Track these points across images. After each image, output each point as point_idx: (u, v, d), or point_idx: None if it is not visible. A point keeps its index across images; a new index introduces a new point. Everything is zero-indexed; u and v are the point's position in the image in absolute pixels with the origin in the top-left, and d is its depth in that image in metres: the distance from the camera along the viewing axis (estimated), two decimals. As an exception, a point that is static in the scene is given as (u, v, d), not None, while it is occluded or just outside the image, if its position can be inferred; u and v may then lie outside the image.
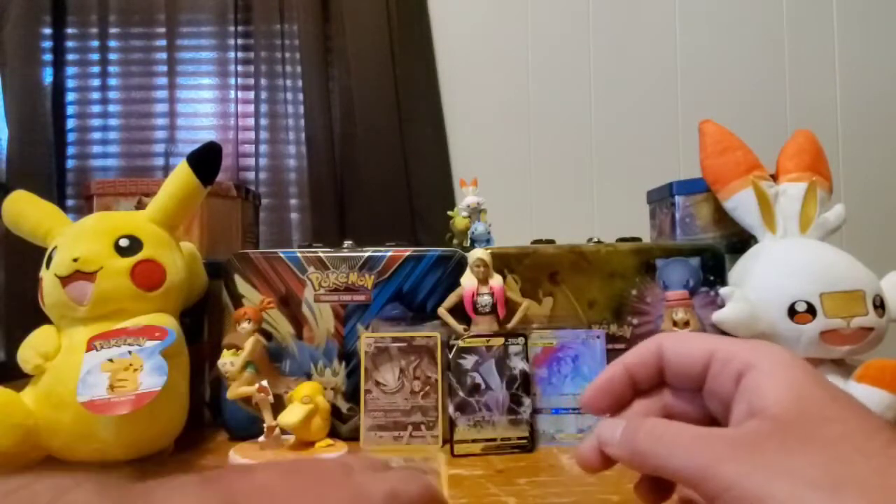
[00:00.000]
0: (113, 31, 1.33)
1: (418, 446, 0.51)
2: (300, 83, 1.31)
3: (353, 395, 0.58)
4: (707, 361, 0.25)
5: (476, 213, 0.77)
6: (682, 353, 0.26)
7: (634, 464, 0.25)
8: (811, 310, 0.55)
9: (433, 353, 0.53)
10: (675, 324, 0.54)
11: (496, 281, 0.57)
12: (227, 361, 0.54)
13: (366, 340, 0.55)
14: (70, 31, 1.33)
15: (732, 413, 0.24)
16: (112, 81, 1.34)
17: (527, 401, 0.53)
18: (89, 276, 0.52)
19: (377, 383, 0.53)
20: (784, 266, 0.58)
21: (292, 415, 0.51)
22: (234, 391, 0.54)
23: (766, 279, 0.58)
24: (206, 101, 1.35)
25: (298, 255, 0.61)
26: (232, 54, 1.35)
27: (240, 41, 1.36)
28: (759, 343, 0.25)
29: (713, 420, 0.26)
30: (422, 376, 0.53)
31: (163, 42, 1.33)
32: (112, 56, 1.34)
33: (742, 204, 0.63)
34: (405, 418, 0.52)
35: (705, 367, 0.25)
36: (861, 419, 0.21)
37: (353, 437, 0.55)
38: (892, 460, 0.20)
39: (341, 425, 0.58)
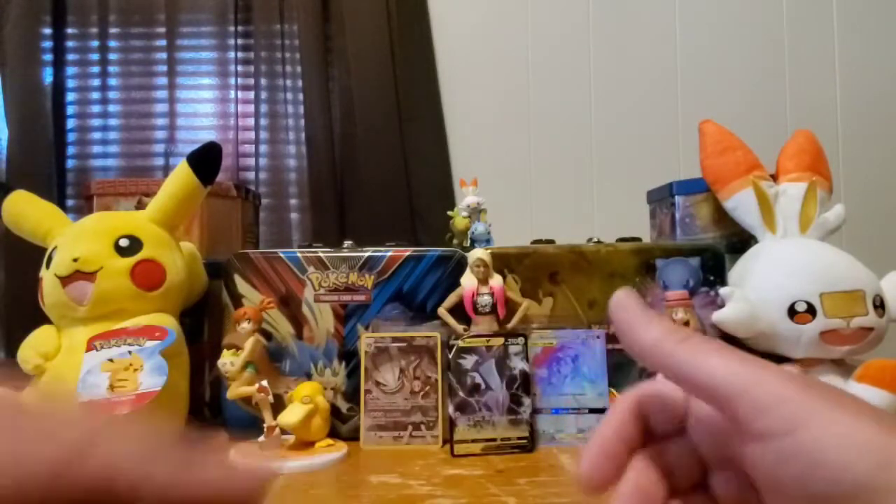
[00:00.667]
0: (113, 31, 1.33)
1: (417, 446, 0.51)
2: (300, 83, 1.31)
3: (353, 395, 0.58)
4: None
5: (476, 213, 0.77)
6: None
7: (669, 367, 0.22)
8: (811, 310, 0.55)
9: (433, 353, 0.53)
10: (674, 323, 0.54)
11: (496, 281, 0.57)
12: (227, 361, 0.54)
13: (366, 340, 0.55)
14: (70, 31, 1.33)
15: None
16: (112, 81, 1.34)
17: (527, 401, 0.53)
18: (89, 276, 0.52)
19: (377, 383, 0.54)
20: (784, 266, 0.58)
21: (292, 415, 0.51)
22: (234, 391, 0.54)
23: (766, 279, 0.58)
24: (206, 101, 1.35)
25: (298, 255, 0.61)
26: (232, 54, 1.35)
27: (240, 41, 1.36)
28: None
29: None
30: (422, 376, 0.53)
31: (163, 42, 1.33)
32: (112, 56, 1.34)
33: (742, 204, 0.63)
34: (405, 418, 0.52)
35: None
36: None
37: (353, 436, 0.55)
38: None
39: (341, 425, 0.58)
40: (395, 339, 0.53)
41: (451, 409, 0.51)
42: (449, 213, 0.80)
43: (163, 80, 1.33)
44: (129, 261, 0.54)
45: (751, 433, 0.20)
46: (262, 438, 0.54)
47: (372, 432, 0.52)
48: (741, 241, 0.68)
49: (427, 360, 0.53)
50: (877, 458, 0.19)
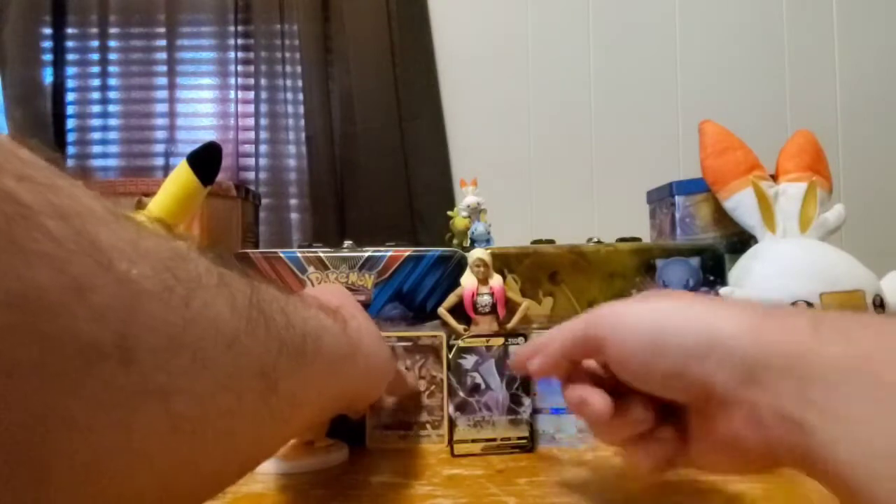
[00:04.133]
0: (113, 31, 1.33)
1: (421, 445, 0.51)
2: (300, 83, 1.31)
3: (353, 395, 0.58)
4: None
5: (476, 213, 0.77)
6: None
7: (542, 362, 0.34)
8: (811, 310, 0.55)
9: (438, 352, 0.53)
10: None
11: (496, 281, 0.57)
12: (227, 361, 0.54)
13: None
14: (70, 31, 1.33)
15: None
16: (112, 81, 1.34)
17: (527, 401, 0.53)
18: (89, 276, 0.52)
19: None
20: (784, 266, 0.58)
21: (292, 415, 0.52)
22: (234, 391, 0.54)
23: (766, 279, 0.58)
24: (206, 101, 1.35)
25: (298, 255, 0.61)
26: (232, 54, 1.35)
27: (240, 41, 1.36)
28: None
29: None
30: (427, 375, 0.52)
31: (163, 42, 1.33)
32: (112, 56, 1.34)
33: (742, 204, 0.63)
34: (410, 417, 0.52)
35: None
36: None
37: (353, 436, 0.55)
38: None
39: (341, 425, 0.58)
40: (400, 339, 0.52)
41: (451, 409, 0.51)
42: (449, 213, 0.80)
43: (163, 80, 1.33)
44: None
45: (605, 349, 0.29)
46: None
47: (377, 431, 0.51)
48: (741, 241, 0.68)
49: (433, 360, 0.52)
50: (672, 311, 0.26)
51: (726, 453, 0.26)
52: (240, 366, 0.19)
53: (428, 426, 0.51)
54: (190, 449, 0.17)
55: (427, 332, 0.53)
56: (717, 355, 0.24)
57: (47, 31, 1.30)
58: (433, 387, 0.52)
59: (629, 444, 0.30)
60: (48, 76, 1.30)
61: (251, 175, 1.33)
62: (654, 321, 0.26)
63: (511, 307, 0.57)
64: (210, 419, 0.17)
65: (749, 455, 0.24)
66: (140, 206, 0.74)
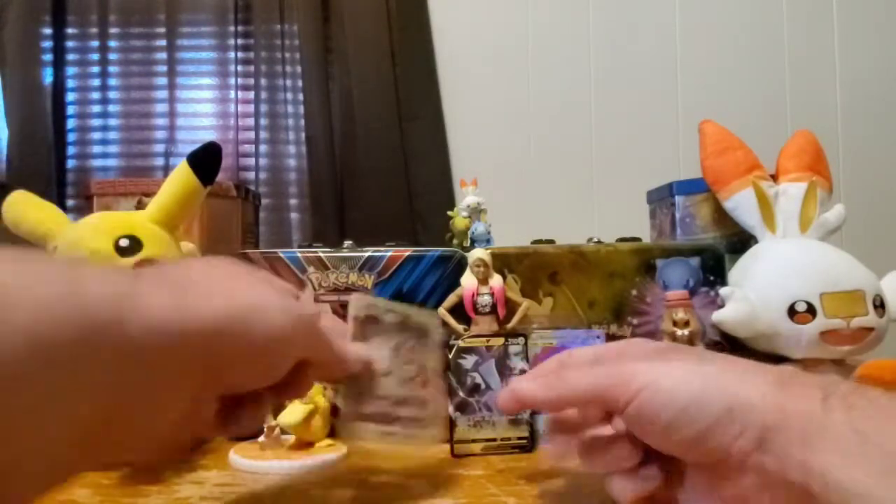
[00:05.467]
0: (113, 31, 1.33)
1: (410, 447, 0.43)
2: (300, 83, 1.31)
3: (353, 395, 0.58)
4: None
5: (476, 213, 0.77)
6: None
7: (551, 397, 0.31)
8: (811, 310, 0.55)
9: (430, 336, 0.42)
10: (675, 323, 0.54)
11: (496, 281, 0.57)
12: (227, 361, 0.54)
13: (355, 303, 0.41)
14: (70, 31, 1.33)
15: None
16: (112, 81, 1.34)
17: (527, 401, 0.53)
18: (89, 276, 0.52)
19: None
20: (784, 266, 0.58)
21: (292, 415, 0.51)
22: (234, 391, 0.54)
23: (766, 279, 0.58)
24: (206, 101, 1.35)
25: (298, 255, 0.61)
26: (232, 54, 1.35)
27: (240, 41, 1.36)
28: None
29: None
30: (415, 361, 0.41)
31: (163, 42, 1.33)
32: (112, 56, 1.34)
33: (742, 204, 0.63)
34: (395, 409, 0.40)
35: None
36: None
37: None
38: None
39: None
40: (388, 310, 0.40)
41: (451, 409, 0.51)
42: (449, 213, 0.80)
43: (163, 80, 1.33)
44: (129, 261, 0.54)
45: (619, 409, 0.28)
46: (262, 438, 0.54)
47: (352, 420, 0.38)
48: (741, 241, 0.68)
49: (425, 345, 0.41)
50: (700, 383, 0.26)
51: None
52: None
53: (415, 423, 0.39)
54: None
55: (421, 311, 0.43)
56: (740, 424, 0.24)
57: (47, 31, 1.30)
58: (422, 375, 0.41)
59: (613, 474, 0.30)
60: (48, 76, 1.30)
61: (251, 175, 1.33)
62: (689, 391, 0.26)
63: (511, 307, 0.57)
64: None
65: None
66: (140, 206, 0.74)
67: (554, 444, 0.34)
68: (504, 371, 0.53)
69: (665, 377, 0.27)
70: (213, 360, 0.25)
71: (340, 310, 0.60)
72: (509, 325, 0.57)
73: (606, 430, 0.32)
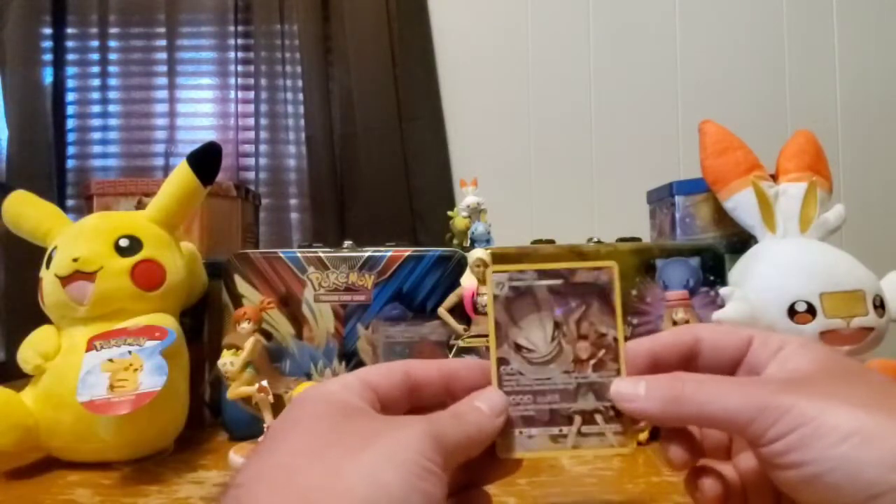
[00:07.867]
0: (113, 31, 1.33)
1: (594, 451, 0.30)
2: (300, 83, 1.31)
3: (353, 395, 0.58)
4: (747, 344, 0.27)
5: (476, 213, 0.77)
6: (722, 338, 0.28)
7: (668, 413, 0.25)
8: (811, 310, 0.55)
9: (606, 295, 0.30)
10: (674, 324, 0.54)
11: (496, 281, 0.57)
12: (227, 361, 0.54)
13: (495, 279, 0.30)
14: (70, 31, 1.33)
15: (766, 374, 0.26)
16: (112, 81, 1.34)
17: (527, 401, 0.53)
18: (89, 276, 0.52)
19: (518, 347, 0.30)
20: (784, 266, 0.58)
21: (292, 415, 0.51)
22: (234, 391, 0.54)
23: (766, 279, 0.58)
24: (206, 101, 1.35)
25: (298, 255, 0.61)
26: (232, 54, 1.35)
27: (240, 41, 1.36)
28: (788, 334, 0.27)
29: None
30: (590, 334, 0.30)
31: (163, 42, 1.33)
32: (112, 56, 1.34)
33: (742, 204, 0.63)
34: (568, 403, 0.29)
35: (744, 349, 0.27)
36: (881, 376, 0.25)
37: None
38: None
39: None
40: (541, 275, 0.30)
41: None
42: (449, 213, 0.80)
43: (163, 80, 1.33)
44: (129, 261, 0.54)
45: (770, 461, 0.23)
46: (261, 438, 0.54)
47: (517, 430, 0.29)
48: (741, 241, 0.68)
49: (597, 308, 0.30)
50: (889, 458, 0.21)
51: None
52: None
53: (599, 417, 0.29)
54: None
55: (587, 264, 0.31)
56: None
57: (47, 31, 1.30)
58: (602, 351, 0.30)
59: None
60: (48, 76, 1.30)
61: (251, 175, 1.33)
62: (853, 444, 0.21)
63: (511, 307, 0.57)
64: None
65: None
66: (140, 206, 0.74)
67: (674, 453, 0.27)
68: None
69: (830, 414, 0.22)
70: None
71: (340, 309, 0.60)
72: (509, 325, 0.57)
73: (727, 469, 0.28)
